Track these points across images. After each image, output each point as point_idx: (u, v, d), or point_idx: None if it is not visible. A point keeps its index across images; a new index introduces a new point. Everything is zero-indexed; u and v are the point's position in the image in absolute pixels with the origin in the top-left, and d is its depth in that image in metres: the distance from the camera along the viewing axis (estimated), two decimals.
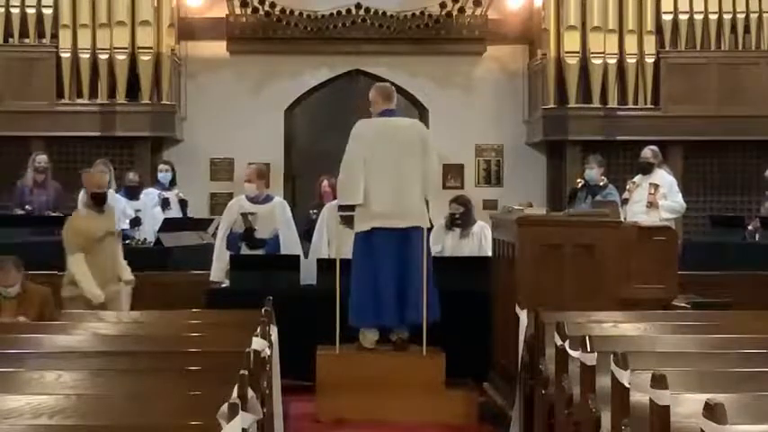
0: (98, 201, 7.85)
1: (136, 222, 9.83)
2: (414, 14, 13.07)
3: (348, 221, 7.46)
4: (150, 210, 10.18)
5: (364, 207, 7.27)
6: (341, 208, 7.59)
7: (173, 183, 10.73)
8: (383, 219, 7.22)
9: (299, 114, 14.05)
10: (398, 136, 7.43)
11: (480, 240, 9.07)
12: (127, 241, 9.82)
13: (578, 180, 10.23)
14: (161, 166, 10.76)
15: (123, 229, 9.89)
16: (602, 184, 9.81)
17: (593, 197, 9.40)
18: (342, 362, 7.30)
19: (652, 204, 9.50)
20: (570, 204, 9.78)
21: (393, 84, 13.05)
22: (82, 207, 8.00)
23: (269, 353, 5.74)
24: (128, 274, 8.03)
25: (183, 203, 10.67)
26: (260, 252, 8.72)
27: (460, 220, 9.12)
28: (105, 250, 7.72)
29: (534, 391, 6.01)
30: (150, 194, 10.45)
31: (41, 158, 10.79)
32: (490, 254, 8.52)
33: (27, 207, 10.56)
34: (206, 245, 9.26)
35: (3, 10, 12.48)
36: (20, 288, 6.79)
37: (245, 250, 8.73)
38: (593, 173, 9.78)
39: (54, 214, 10.44)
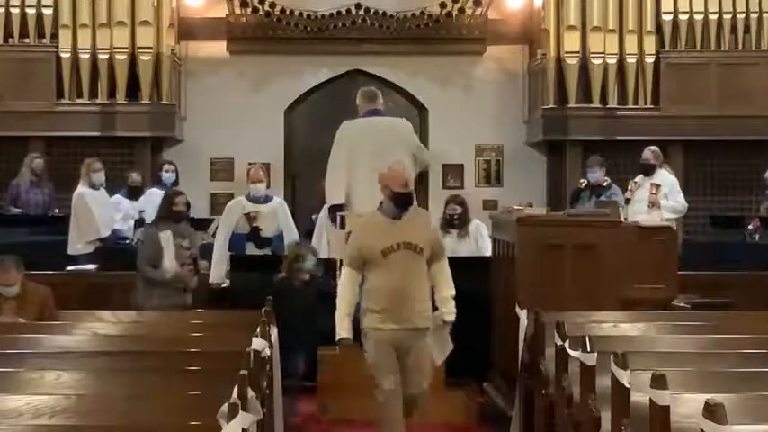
0: (399, 202, 5.96)
1: (140, 223, 9.81)
2: (414, 14, 13.06)
3: (335, 221, 7.57)
4: (155, 210, 10.13)
5: (349, 207, 7.38)
6: (330, 209, 7.70)
7: (175, 183, 10.71)
8: None
9: (299, 114, 14.04)
10: (377, 135, 7.54)
11: (476, 239, 9.07)
12: (127, 241, 9.84)
13: (581, 180, 10.21)
14: (166, 167, 10.70)
15: (115, 230, 9.90)
16: (605, 184, 9.80)
17: (597, 197, 9.38)
18: (342, 362, 7.29)
19: (654, 204, 9.49)
20: (573, 205, 9.77)
21: (393, 84, 13.34)
22: (375, 209, 6.07)
23: (269, 353, 5.74)
24: (450, 308, 5.99)
25: (186, 204, 10.62)
26: (267, 251, 8.75)
27: (458, 220, 9.12)
28: (395, 269, 5.85)
29: (534, 391, 6.02)
30: (154, 194, 10.41)
31: (38, 162, 10.82)
32: (486, 252, 8.54)
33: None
34: (206, 245, 9.26)
35: (3, 10, 12.47)
36: (20, 288, 6.77)
37: (251, 250, 8.75)
38: (596, 175, 9.76)
39: (57, 215, 10.45)
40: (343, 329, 5.86)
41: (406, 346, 5.85)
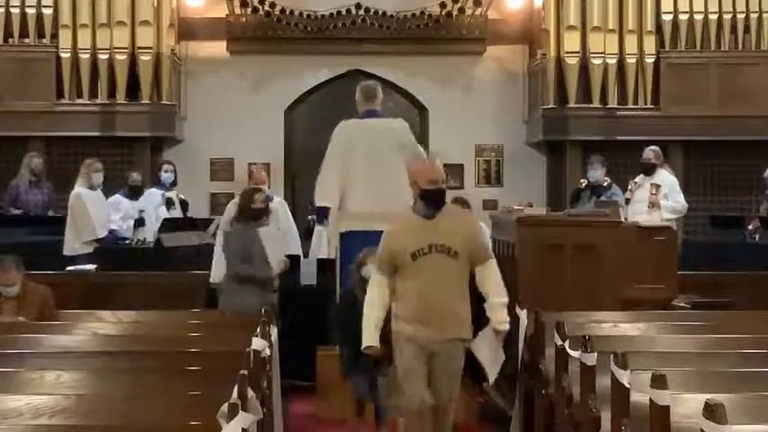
0: (432, 200, 5.43)
1: (140, 223, 9.81)
2: (414, 14, 13.07)
3: (321, 222, 7.56)
4: (155, 210, 10.15)
5: (341, 209, 7.38)
6: (317, 209, 7.70)
7: (174, 183, 10.71)
8: (360, 221, 7.26)
9: (299, 114, 14.05)
10: (373, 138, 7.54)
11: None
12: (127, 241, 9.84)
13: (582, 180, 10.21)
14: (165, 167, 10.68)
15: (113, 230, 9.90)
16: (605, 184, 9.80)
17: (598, 197, 9.38)
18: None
19: (654, 204, 9.49)
20: (573, 205, 9.76)
21: (393, 84, 13.34)
22: (407, 209, 5.56)
23: (269, 353, 5.74)
24: (499, 317, 5.48)
25: (183, 204, 10.65)
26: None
27: None
28: (424, 274, 5.34)
29: (534, 391, 6.02)
30: (153, 194, 10.41)
31: (37, 162, 10.81)
32: None
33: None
34: (206, 245, 9.25)
35: (3, 10, 12.47)
36: (20, 288, 6.77)
37: None
38: (597, 174, 9.76)
39: (56, 215, 10.45)
40: (370, 338, 5.36)
41: (437, 355, 5.37)
